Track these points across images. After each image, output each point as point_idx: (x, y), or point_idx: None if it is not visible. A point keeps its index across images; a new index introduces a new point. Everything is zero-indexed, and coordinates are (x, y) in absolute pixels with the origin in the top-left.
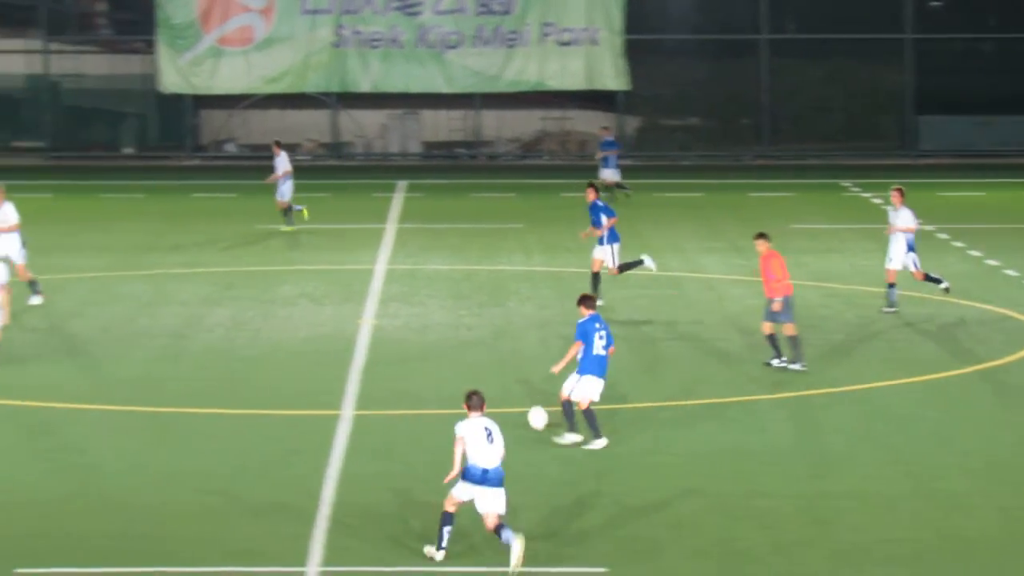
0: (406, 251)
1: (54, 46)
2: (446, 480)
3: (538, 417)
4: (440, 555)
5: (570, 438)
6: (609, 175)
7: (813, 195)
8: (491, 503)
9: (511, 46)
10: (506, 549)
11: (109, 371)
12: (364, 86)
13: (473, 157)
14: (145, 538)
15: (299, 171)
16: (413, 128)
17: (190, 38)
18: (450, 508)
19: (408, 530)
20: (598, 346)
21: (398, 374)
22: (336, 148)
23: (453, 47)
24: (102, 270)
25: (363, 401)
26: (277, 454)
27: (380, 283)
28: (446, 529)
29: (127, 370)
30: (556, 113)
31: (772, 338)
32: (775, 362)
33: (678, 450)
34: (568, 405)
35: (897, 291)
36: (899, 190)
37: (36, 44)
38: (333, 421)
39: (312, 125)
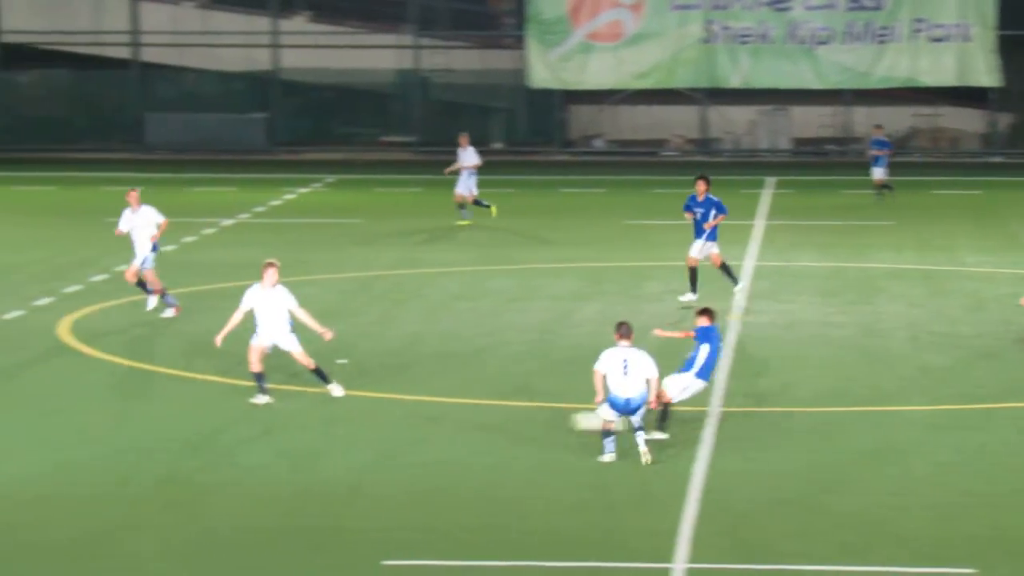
0: (774, 248)
1: (424, 41)
2: (596, 401)
3: (587, 420)
4: (609, 457)
5: (657, 436)
6: (879, 174)
7: None
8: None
9: (882, 42)
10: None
11: (478, 366)
12: (733, 82)
13: (843, 153)
14: (510, 531)
15: (668, 166)
16: (782, 124)
17: (560, 33)
18: (608, 428)
19: (774, 529)
20: (717, 352)
21: (765, 371)
22: (704, 144)
23: (824, 43)
24: (471, 264)
25: (731, 398)
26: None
27: (748, 279)
28: (607, 440)
29: (496, 365)
30: (927, 110)
31: None
32: None
33: None
34: (667, 407)
35: None
36: None
37: (407, 40)
38: (701, 417)
39: (680, 121)
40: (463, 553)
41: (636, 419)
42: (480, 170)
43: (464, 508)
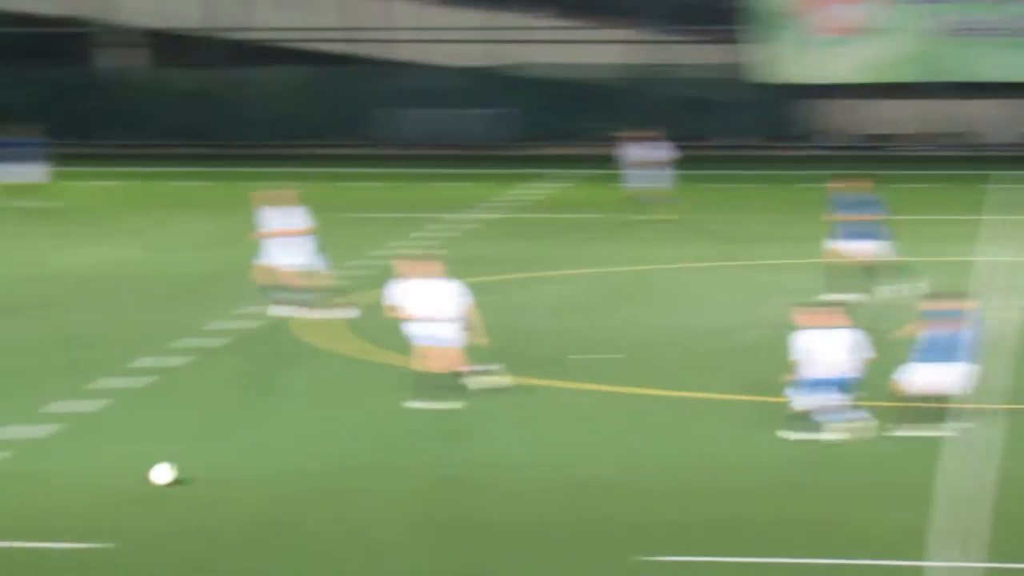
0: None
1: (659, 36)
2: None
3: (159, 474)
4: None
5: (908, 431)
6: None
7: None
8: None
9: None
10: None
11: (721, 361)
12: (969, 75)
13: None
14: (763, 526)
15: (896, 161)
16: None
17: (788, 27)
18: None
19: None
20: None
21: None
22: (940, 139)
23: None
24: (710, 260)
25: (981, 395)
26: (892, 443)
27: (981, 275)
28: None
29: (737, 360)
30: None
31: None
32: None
33: None
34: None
35: None
36: None
37: (645, 35)
38: (950, 414)
39: (915, 115)
40: (716, 549)
41: (844, 398)
42: (698, 166)
43: (716, 503)
